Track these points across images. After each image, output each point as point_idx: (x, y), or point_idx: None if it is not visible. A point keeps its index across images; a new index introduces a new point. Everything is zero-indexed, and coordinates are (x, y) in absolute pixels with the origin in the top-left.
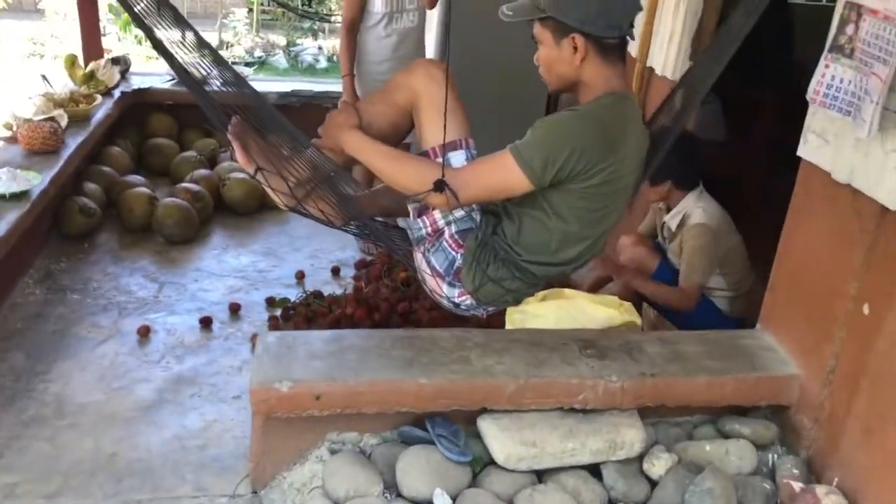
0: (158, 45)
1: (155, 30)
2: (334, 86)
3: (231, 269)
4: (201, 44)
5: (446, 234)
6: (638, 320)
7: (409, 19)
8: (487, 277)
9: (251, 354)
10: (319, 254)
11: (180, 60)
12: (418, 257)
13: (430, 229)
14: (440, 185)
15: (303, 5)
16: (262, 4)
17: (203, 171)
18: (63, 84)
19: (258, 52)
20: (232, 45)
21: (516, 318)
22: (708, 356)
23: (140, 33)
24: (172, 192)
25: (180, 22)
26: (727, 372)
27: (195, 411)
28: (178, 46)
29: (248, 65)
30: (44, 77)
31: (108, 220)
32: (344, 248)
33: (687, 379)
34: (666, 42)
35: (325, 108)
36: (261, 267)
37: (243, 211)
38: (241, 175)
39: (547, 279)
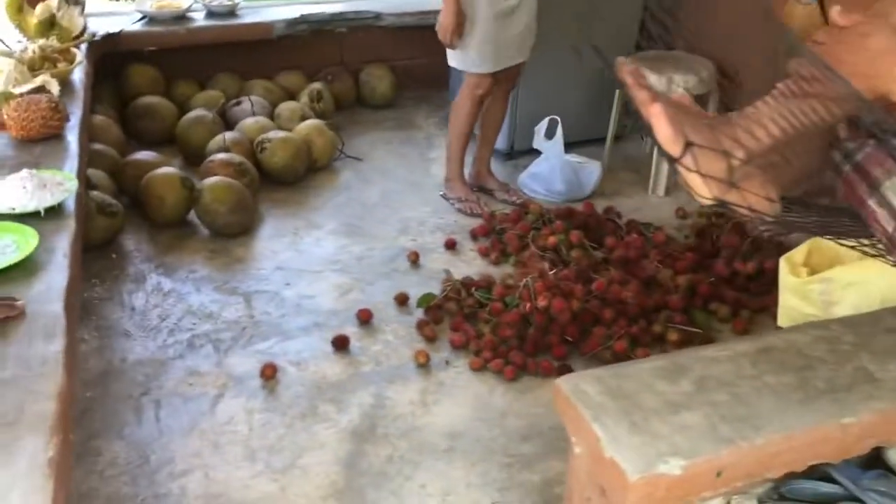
0: None
1: None
2: (352, 3)
3: (321, 259)
4: None
5: None
6: None
7: None
8: None
9: (425, 378)
10: (411, 223)
11: None
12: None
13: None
14: None
15: None
16: None
17: (232, 135)
18: (15, 39)
19: None
20: None
21: (813, 289)
22: None
23: None
24: (208, 169)
25: None
26: None
27: (418, 488)
28: None
29: None
30: None
31: (128, 216)
32: (435, 212)
33: None
34: None
35: (342, 34)
36: (355, 252)
37: (290, 178)
38: (281, 133)
39: None
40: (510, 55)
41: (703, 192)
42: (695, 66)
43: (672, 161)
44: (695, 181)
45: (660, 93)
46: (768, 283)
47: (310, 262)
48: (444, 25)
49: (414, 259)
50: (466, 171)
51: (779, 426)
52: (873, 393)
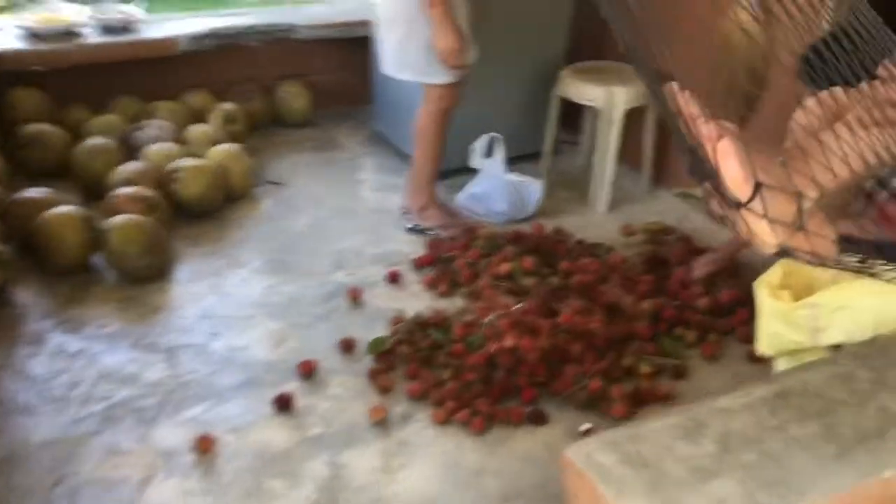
0: None
1: None
2: (264, 15)
3: (249, 303)
4: None
5: None
6: None
7: None
8: None
9: (384, 438)
10: (347, 255)
11: None
12: None
13: None
14: None
15: None
16: None
17: (135, 165)
18: None
19: None
20: None
21: (800, 315)
22: None
23: None
24: (113, 205)
25: None
26: None
27: None
28: None
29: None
30: None
31: (19, 264)
32: (371, 241)
33: None
34: None
35: (253, 48)
36: (287, 292)
37: (207, 211)
38: (193, 161)
39: None
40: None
41: (769, 239)
42: (636, 77)
43: (736, 207)
44: (761, 228)
45: (724, 125)
46: (732, 304)
47: (237, 306)
48: (447, 49)
49: (354, 297)
50: (397, 197)
51: (819, 489)
52: None
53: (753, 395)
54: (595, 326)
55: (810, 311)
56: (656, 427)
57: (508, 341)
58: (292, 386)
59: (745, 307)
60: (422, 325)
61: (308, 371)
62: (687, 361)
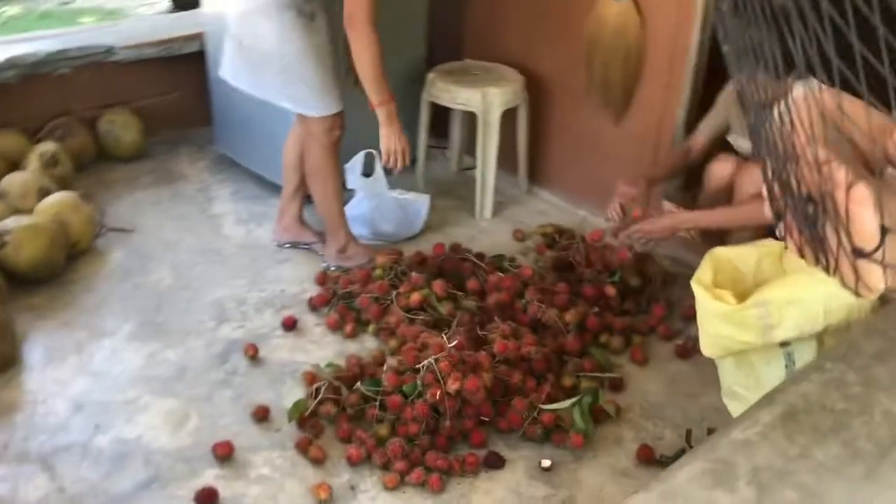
0: None
1: None
2: (75, 37)
3: (130, 380)
4: None
5: None
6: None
7: None
8: None
9: None
10: (227, 304)
11: None
12: None
13: None
14: None
15: None
16: None
17: None
18: None
19: None
20: None
21: (750, 314)
22: None
23: None
24: None
25: None
26: None
27: None
28: None
29: None
30: None
31: None
32: (251, 284)
33: None
34: None
35: (66, 76)
36: (172, 359)
37: (48, 275)
38: (23, 219)
39: None
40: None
41: (879, 285)
42: (507, 76)
43: (855, 255)
44: (875, 275)
45: (860, 171)
46: (646, 300)
47: (116, 387)
48: (396, 150)
49: (252, 354)
50: (267, 227)
51: None
52: None
53: (761, 421)
54: (527, 350)
55: (760, 310)
56: (684, 478)
57: (453, 385)
58: (210, 475)
59: (657, 302)
60: (343, 378)
61: (225, 453)
62: (620, 370)
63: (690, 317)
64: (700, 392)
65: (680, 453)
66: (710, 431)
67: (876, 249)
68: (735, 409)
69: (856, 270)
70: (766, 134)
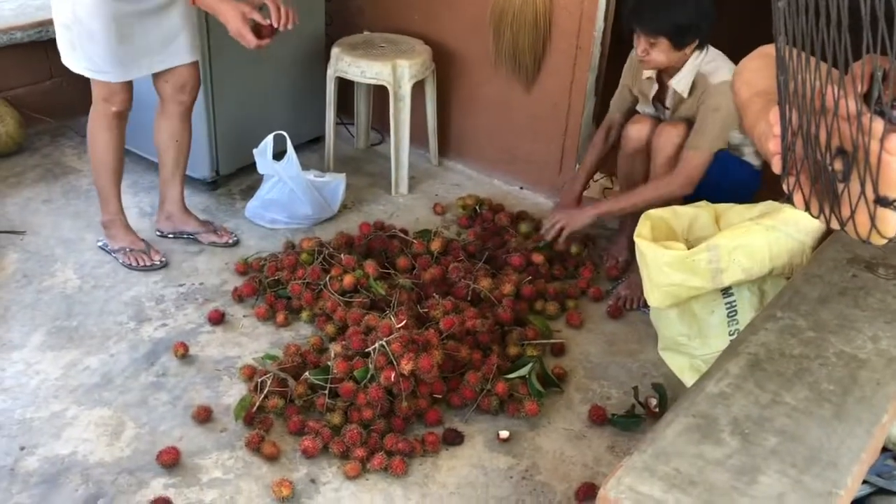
0: None
1: None
2: None
3: (51, 393)
4: None
5: None
6: None
7: None
8: None
9: None
10: (145, 303)
11: None
12: None
13: None
14: None
15: None
16: None
17: None
18: None
19: None
20: None
21: (700, 259)
22: None
23: None
24: None
25: None
26: None
27: None
28: None
29: None
30: None
31: None
32: (167, 280)
33: None
34: None
35: None
36: (93, 366)
37: None
38: None
39: None
40: (157, 59)
41: (891, 232)
42: (415, 48)
43: (881, 203)
44: (889, 223)
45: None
46: (573, 264)
47: (36, 401)
48: (236, 32)
49: (183, 352)
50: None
51: (846, 457)
52: (876, 377)
53: (731, 372)
54: (475, 324)
55: (711, 254)
56: (671, 435)
57: (407, 365)
58: (158, 486)
59: (584, 265)
60: (287, 369)
61: (171, 460)
62: (559, 335)
63: (616, 277)
64: (638, 349)
65: (631, 409)
66: (655, 386)
67: None
68: (673, 361)
69: (872, 219)
70: (803, 90)
